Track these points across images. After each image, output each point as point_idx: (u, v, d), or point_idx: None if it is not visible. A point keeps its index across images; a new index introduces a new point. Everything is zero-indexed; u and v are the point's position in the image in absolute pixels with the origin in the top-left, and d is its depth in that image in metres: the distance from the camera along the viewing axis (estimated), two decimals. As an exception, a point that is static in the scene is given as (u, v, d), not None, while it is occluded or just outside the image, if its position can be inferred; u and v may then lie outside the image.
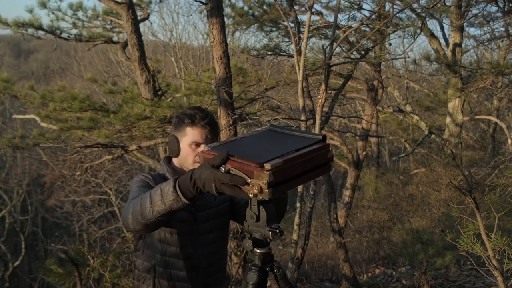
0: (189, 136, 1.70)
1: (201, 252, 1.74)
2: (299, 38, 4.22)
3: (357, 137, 8.52)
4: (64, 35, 7.51)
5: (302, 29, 4.53)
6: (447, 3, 7.46)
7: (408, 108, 9.64)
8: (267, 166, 1.14)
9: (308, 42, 3.65)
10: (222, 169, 1.21)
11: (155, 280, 1.71)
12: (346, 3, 6.38)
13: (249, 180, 1.17)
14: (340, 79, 6.96)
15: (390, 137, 13.88)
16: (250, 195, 1.18)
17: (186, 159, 1.72)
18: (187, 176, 1.30)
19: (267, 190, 1.14)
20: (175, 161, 1.79)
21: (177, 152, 1.71)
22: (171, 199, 1.33)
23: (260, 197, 1.17)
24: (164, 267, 1.71)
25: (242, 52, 7.32)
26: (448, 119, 8.56)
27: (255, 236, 1.34)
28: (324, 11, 11.23)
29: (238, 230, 4.28)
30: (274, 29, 7.66)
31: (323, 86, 3.47)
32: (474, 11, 8.48)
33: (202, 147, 1.67)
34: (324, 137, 1.33)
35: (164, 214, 1.37)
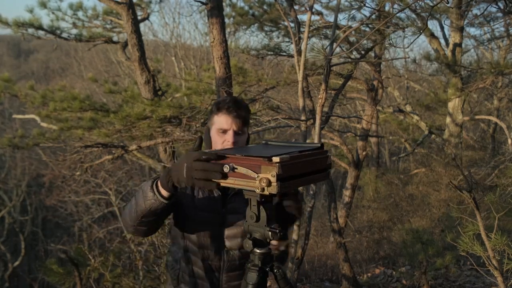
0: (216, 123, 1.65)
1: (223, 255, 1.69)
2: (299, 38, 4.22)
3: (357, 137, 8.51)
4: (64, 35, 7.50)
5: (302, 29, 4.53)
6: (449, 5, 7.45)
7: (408, 108, 9.65)
8: (275, 159, 1.15)
9: (308, 42, 3.65)
10: (227, 166, 1.20)
11: (179, 274, 1.70)
12: (346, 3, 6.39)
13: (255, 175, 1.17)
14: (340, 79, 6.96)
15: (390, 137, 13.89)
16: (257, 190, 1.18)
17: (216, 148, 1.66)
18: (163, 174, 1.29)
19: (275, 184, 1.14)
20: None
21: (209, 142, 1.67)
22: (149, 198, 1.32)
23: (268, 192, 1.16)
24: (186, 263, 1.69)
25: (242, 52, 7.32)
26: (448, 119, 8.56)
27: (255, 236, 1.34)
28: (324, 11, 11.24)
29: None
30: (274, 29, 7.66)
31: (323, 86, 3.47)
32: (474, 11, 8.49)
33: (230, 134, 1.63)
34: (322, 145, 1.35)
35: (146, 215, 1.35)
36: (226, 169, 1.21)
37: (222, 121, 1.63)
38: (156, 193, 1.31)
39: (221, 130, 1.64)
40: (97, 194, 13.55)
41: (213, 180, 1.21)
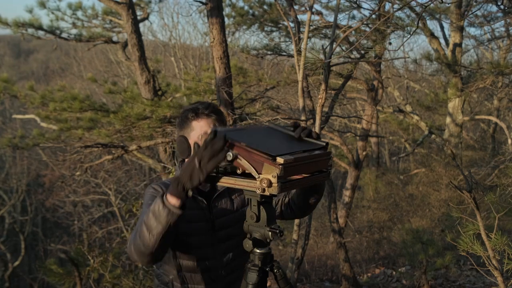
0: (197, 129, 1.64)
1: (220, 262, 1.68)
2: (299, 38, 4.22)
3: (357, 137, 8.52)
4: (64, 35, 7.50)
5: (302, 29, 4.53)
6: (447, 3, 7.46)
7: (408, 108, 9.64)
8: (280, 160, 1.13)
9: (308, 42, 3.65)
10: (231, 154, 1.19)
11: None
12: (346, 3, 6.38)
13: (256, 176, 1.17)
14: (340, 79, 6.96)
15: (390, 137, 13.89)
16: (258, 191, 1.17)
17: None
18: (172, 182, 1.29)
19: (276, 184, 1.14)
20: None
21: (188, 151, 1.61)
22: (164, 216, 1.30)
23: (268, 193, 1.16)
24: (181, 283, 1.65)
25: (242, 52, 7.32)
26: (448, 119, 8.56)
27: (255, 236, 1.34)
28: (324, 11, 11.25)
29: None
30: (274, 29, 7.66)
31: (323, 86, 3.47)
32: (474, 11, 8.47)
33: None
34: (327, 144, 1.34)
35: (164, 236, 1.33)
36: (229, 157, 1.19)
37: (204, 126, 1.64)
38: (171, 207, 1.29)
39: (205, 134, 1.63)
40: (97, 194, 13.55)
41: (219, 167, 1.23)
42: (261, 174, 1.16)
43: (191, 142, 1.62)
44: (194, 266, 1.64)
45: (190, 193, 1.29)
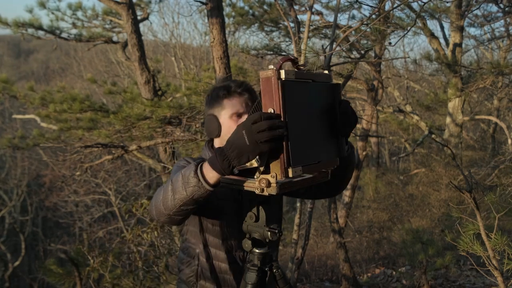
0: (228, 108, 1.56)
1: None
2: (299, 38, 4.21)
3: (357, 137, 8.51)
4: (64, 35, 7.50)
5: (302, 29, 4.53)
6: (447, 3, 7.46)
7: (408, 108, 9.63)
8: (290, 172, 1.13)
9: (308, 42, 3.65)
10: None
11: (198, 269, 1.62)
12: (346, 3, 6.38)
13: (255, 176, 1.17)
14: (340, 79, 6.96)
15: (390, 137, 13.88)
16: (257, 191, 1.17)
17: (229, 135, 1.60)
18: (216, 152, 1.17)
19: (275, 185, 1.14)
20: (216, 142, 1.62)
21: (217, 131, 1.55)
22: (192, 185, 1.20)
23: (267, 193, 1.16)
24: (206, 258, 1.62)
25: (242, 52, 7.32)
26: (448, 119, 8.55)
27: (254, 236, 1.34)
28: (324, 11, 11.25)
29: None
30: (274, 29, 7.66)
31: (323, 86, 3.46)
32: (474, 11, 8.48)
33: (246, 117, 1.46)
34: (344, 154, 1.35)
35: (187, 203, 1.24)
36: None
37: (236, 105, 1.56)
38: (201, 179, 1.18)
39: (237, 114, 1.55)
40: (97, 194, 13.55)
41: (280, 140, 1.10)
42: (261, 175, 1.16)
43: (222, 121, 1.57)
44: (220, 244, 1.61)
45: (235, 171, 1.21)
